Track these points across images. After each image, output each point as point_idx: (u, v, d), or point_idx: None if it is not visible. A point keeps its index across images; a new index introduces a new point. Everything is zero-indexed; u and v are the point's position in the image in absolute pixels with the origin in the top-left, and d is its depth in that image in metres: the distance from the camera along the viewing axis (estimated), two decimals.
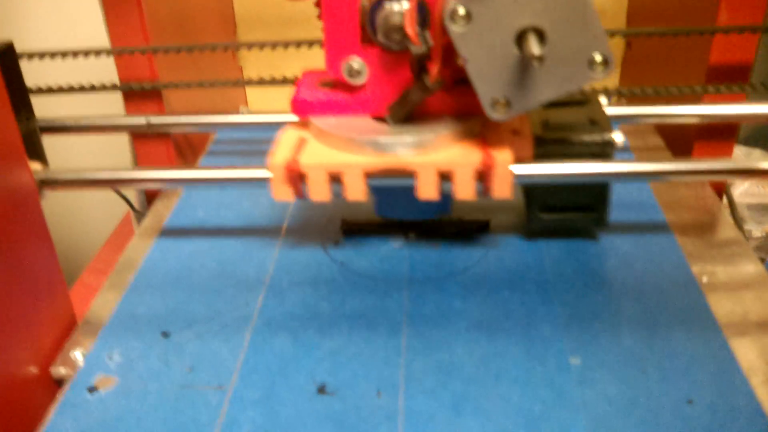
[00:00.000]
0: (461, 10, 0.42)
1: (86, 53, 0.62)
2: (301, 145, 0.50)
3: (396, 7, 0.46)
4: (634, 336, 0.47)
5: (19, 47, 0.58)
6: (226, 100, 0.89)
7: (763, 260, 0.69)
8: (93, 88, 0.64)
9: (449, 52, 0.45)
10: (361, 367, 0.46)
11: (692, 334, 0.47)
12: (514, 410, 0.42)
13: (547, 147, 0.51)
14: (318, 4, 0.49)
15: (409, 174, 0.48)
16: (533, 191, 0.55)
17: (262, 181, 0.50)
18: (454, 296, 0.52)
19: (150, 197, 0.68)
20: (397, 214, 0.57)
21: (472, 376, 0.45)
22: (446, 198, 0.52)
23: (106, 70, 0.70)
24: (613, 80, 0.96)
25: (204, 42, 0.70)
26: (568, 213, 0.56)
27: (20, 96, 0.57)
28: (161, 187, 0.65)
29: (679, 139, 0.73)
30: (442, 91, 0.49)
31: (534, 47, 0.42)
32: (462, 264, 0.55)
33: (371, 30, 0.48)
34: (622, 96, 0.71)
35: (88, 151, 1.00)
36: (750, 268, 0.54)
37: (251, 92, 0.96)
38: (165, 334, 0.49)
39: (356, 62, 0.49)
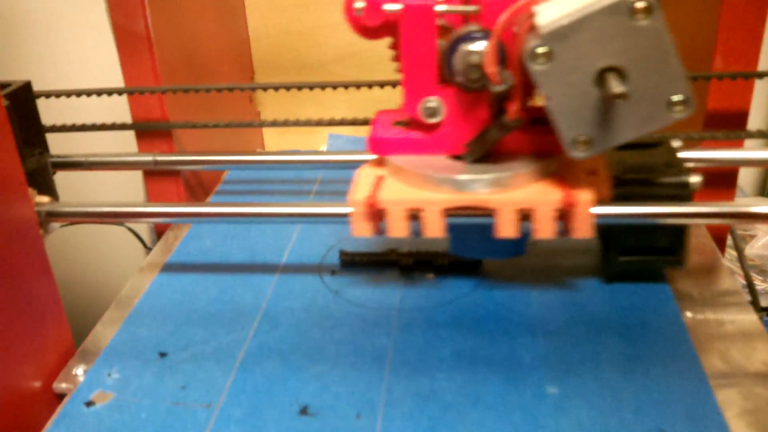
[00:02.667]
0: (542, 49, 0.43)
1: (99, 93, 0.66)
2: (379, 183, 0.51)
3: (475, 46, 0.47)
4: (612, 368, 0.48)
5: (41, 86, 0.62)
6: (243, 145, 0.92)
7: (759, 311, 0.69)
8: (105, 126, 0.68)
9: (527, 90, 0.47)
10: (344, 391, 0.47)
11: (671, 368, 0.48)
12: None
13: (626, 188, 0.52)
14: (394, 47, 0.51)
15: (487, 212, 0.49)
16: (612, 234, 0.56)
17: (342, 217, 0.52)
18: (440, 325, 0.53)
19: (160, 235, 0.71)
20: (472, 254, 0.57)
21: (450, 402, 0.46)
22: (522, 240, 0.53)
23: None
24: None
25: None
26: (647, 255, 0.56)
27: (35, 132, 0.61)
28: (163, 222, 0.68)
29: None
30: (519, 131, 0.50)
31: (616, 86, 0.42)
32: (452, 295, 0.57)
33: (448, 70, 0.49)
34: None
35: (105, 190, 1.04)
36: (740, 313, 0.55)
37: (268, 137, 0.99)
38: (162, 354, 0.52)
39: (433, 101, 0.50)
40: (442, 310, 0.55)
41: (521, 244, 0.55)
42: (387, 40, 0.51)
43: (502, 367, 0.49)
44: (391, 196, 0.49)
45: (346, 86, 0.71)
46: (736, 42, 0.66)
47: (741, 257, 0.84)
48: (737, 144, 0.69)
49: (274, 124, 0.72)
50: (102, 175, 0.78)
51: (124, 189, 0.98)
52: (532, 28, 0.43)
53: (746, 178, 1.32)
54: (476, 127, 0.50)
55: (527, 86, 0.46)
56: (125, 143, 0.78)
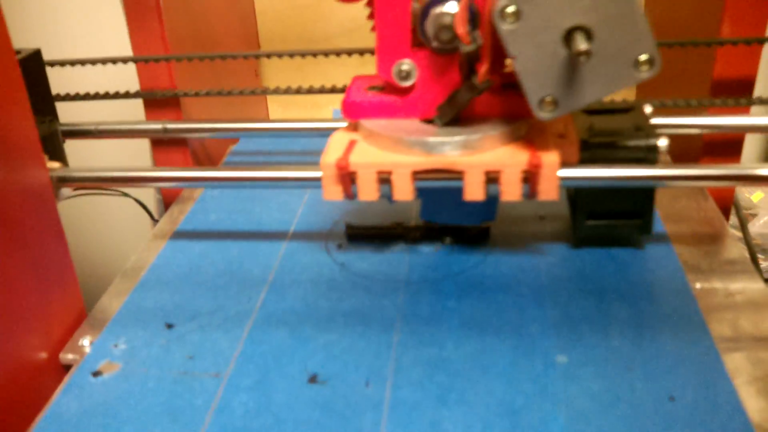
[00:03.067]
0: (511, 8, 0.43)
1: (104, 62, 0.66)
2: (351, 146, 0.51)
3: (447, 8, 0.48)
4: (622, 337, 0.48)
5: (50, 56, 0.61)
6: (247, 114, 0.92)
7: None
8: (115, 95, 0.68)
9: (497, 53, 0.47)
10: (353, 360, 0.47)
11: (680, 335, 0.48)
12: (497, 402, 0.43)
13: (593, 151, 0.52)
14: (369, 5, 0.51)
15: (456, 174, 0.49)
16: (579, 199, 0.56)
17: (313, 182, 0.52)
18: (448, 296, 0.53)
19: (168, 207, 0.71)
20: (441, 219, 0.58)
21: (459, 370, 0.46)
22: (491, 206, 0.54)
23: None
24: (630, 94, 0.97)
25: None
26: (614, 220, 0.56)
27: (45, 100, 0.61)
28: (173, 186, 0.67)
29: (686, 155, 0.74)
30: (490, 94, 0.51)
31: (581, 43, 0.43)
32: (459, 267, 0.56)
33: (422, 32, 0.49)
34: None
35: (111, 159, 1.03)
36: (746, 279, 0.54)
37: (273, 106, 0.99)
38: (169, 326, 0.52)
39: (407, 64, 0.51)
40: (450, 281, 0.55)
41: (491, 209, 0.56)
42: None
43: (511, 337, 0.49)
44: (361, 159, 0.50)
45: (350, 53, 0.70)
46: (744, 8, 0.66)
47: (746, 235, 0.84)
48: (743, 112, 0.69)
49: (284, 91, 0.71)
50: (108, 145, 0.77)
51: (131, 159, 0.98)
52: None
53: (750, 147, 1.32)
54: (448, 90, 0.51)
55: (498, 49, 0.46)
56: (133, 112, 0.77)
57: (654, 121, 0.64)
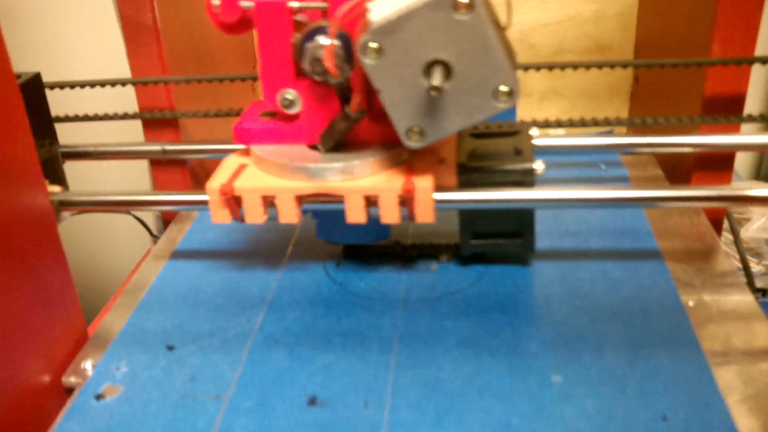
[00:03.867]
0: (372, 44, 0.45)
1: (103, 84, 0.67)
2: (239, 171, 0.53)
3: (321, 41, 0.49)
4: (616, 356, 0.49)
5: (49, 78, 0.62)
6: None
7: (755, 293, 0.70)
8: (114, 116, 0.68)
9: (370, 84, 0.48)
10: (351, 381, 0.48)
11: (674, 354, 0.49)
12: (494, 423, 0.44)
13: (470, 175, 0.54)
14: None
15: (338, 198, 0.51)
16: (462, 219, 0.58)
17: (203, 205, 0.54)
18: (445, 316, 0.54)
19: (166, 223, 0.72)
20: (336, 239, 0.60)
21: (456, 391, 0.47)
22: (384, 225, 0.55)
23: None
24: (623, 111, 0.98)
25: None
26: (497, 239, 0.58)
27: (45, 123, 0.61)
28: (171, 209, 0.68)
29: (679, 171, 0.75)
30: (372, 122, 0.52)
31: (435, 79, 0.45)
32: (456, 286, 0.57)
33: (301, 63, 0.51)
34: (632, 125, 0.73)
35: (110, 181, 1.04)
36: (738, 296, 0.55)
37: None
38: (170, 348, 0.52)
39: (290, 94, 0.53)
40: (447, 300, 0.56)
41: (384, 228, 0.58)
42: None
43: (508, 356, 0.49)
44: (246, 184, 0.52)
45: None
46: (734, 28, 0.66)
47: (737, 240, 0.85)
48: (734, 129, 0.70)
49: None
50: (107, 166, 0.78)
51: (130, 179, 0.98)
52: (365, 24, 0.45)
53: (742, 162, 1.33)
54: (331, 117, 0.53)
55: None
56: (131, 134, 0.78)
57: (646, 140, 0.65)
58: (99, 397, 0.48)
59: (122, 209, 0.59)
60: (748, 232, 1.28)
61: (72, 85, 0.67)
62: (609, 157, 0.78)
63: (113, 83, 0.67)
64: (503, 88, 0.46)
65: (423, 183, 0.50)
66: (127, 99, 0.72)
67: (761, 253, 1.27)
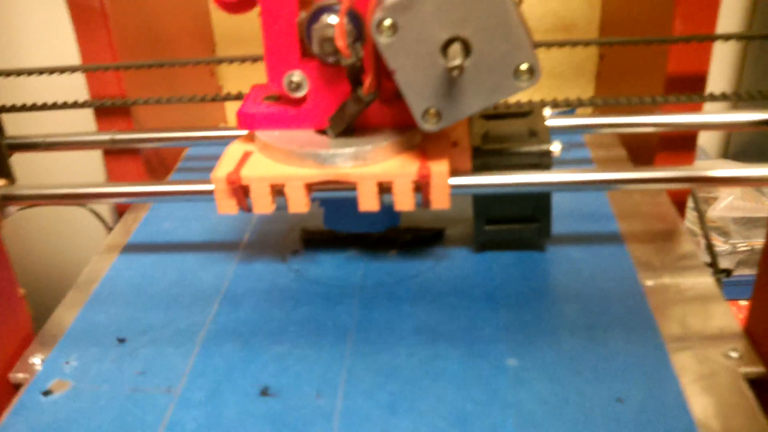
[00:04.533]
0: (387, 21, 0.43)
1: (51, 71, 0.65)
2: (245, 159, 0.51)
3: (329, 20, 0.48)
4: (572, 339, 0.48)
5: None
6: (204, 119, 0.91)
7: (718, 273, 0.70)
8: (63, 105, 0.66)
9: (383, 65, 0.46)
10: (305, 371, 0.47)
11: (630, 336, 0.48)
12: (447, 409, 0.43)
13: (485, 158, 0.52)
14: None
15: (349, 185, 0.49)
16: (478, 204, 0.56)
17: (208, 195, 0.52)
18: (402, 301, 0.53)
19: (122, 215, 0.70)
20: (345, 227, 0.58)
21: (410, 378, 0.46)
22: (394, 212, 0.53)
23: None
24: (588, 92, 0.98)
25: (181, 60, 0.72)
26: (512, 225, 0.57)
27: None
28: (123, 202, 0.67)
29: (643, 151, 0.75)
30: (383, 105, 0.50)
31: (454, 57, 0.42)
32: (413, 271, 0.57)
33: (309, 43, 0.49)
34: (594, 105, 0.72)
35: (65, 171, 1.02)
36: (696, 277, 0.55)
37: (231, 113, 0.98)
38: (121, 341, 0.51)
39: (297, 76, 0.50)
40: (404, 285, 0.55)
41: (394, 215, 0.56)
42: None
43: (463, 341, 0.49)
44: (253, 172, 0.49)
45: None
46: (695, 6, 0.66)
47: (702, 220, 0.85)
48: (697, 108, 0.69)
49: (236, 97, 0.70)
50: (62, 156, 0.76)
51: (85, 169, 0.97)
52: (379, 1, 0.43)
53: (710, 141, 1.33)
54: (341, 101, 0.50)
55: (383, 60, 0.45)
56: (86, 123, 0.76)
57: (608, 120, 0.65)
58: (47, 392, 0.47)
59: (72, 202, 0.57)
60: (715, 211, 1.28)
61: (18, 73, 0.65)
62: (572, 137, 0.78)
63: (62, 70, 0.65)
64: (524, 66, 0.44)
65: (439, 167, 0.48)
66: (79, 87, 0.71)
67: (728, 232, 1.28)
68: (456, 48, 0.43)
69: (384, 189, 0.49)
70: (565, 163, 0.74)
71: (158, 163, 0.75)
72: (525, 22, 0.45)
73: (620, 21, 0.90)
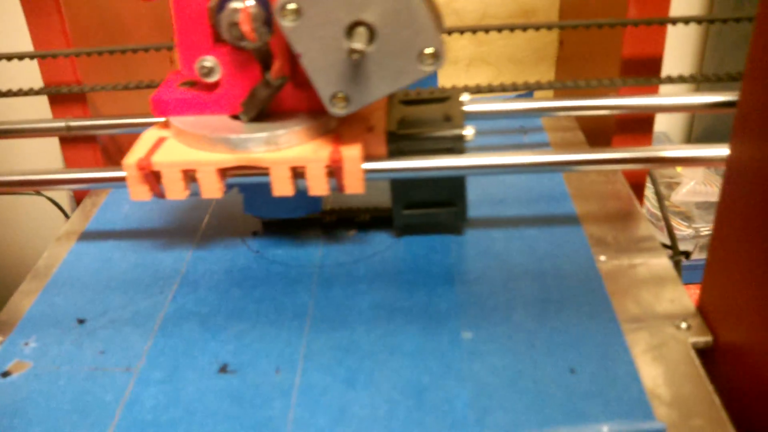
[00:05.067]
0: (291, 5, 0.43)
1: (6, 58, 0.64)
2: (158, 144, 0.51)
3: (237, 4, 0.48)
4: (526, 313, 0.49)
5: None
6: None
7: (677, 255, 0.71)
8: (18, 92, 0.66)
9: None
10: (264, 348, 0.48)
11: (583, 310, 0.50)
12: (404, 382, 0.44)
13: (399, 143, 0.53)
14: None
15: (263, 171, 0.49)
16: (395, 189, 0.57)
17: (121, 182, 0.52)
18: (360, 280, 0.54)
19: (79, 200, 0.70)
20: (265, 213, 0.59)
21: (367, 352, 0.47)
22: (314, 197, 0.54)
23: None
24: (549, 74, 0.99)
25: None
26: (429, 209, 0.57)
27: None
28: (79, 188, 0.66)
29: (600, 134, 0.76)
30: (298, 89, 0.51)
31: (356, 41, 0.43)
32: (372, 249, 0.57)
33: (219, 28, 0.49)
34: (552, 88, 0.73)
35: (23, 159, 1.01)
36: (650, 254, 0.56)
37: None
38: (80, 321, 0.51)
39: (209, 61, 0.50)
40: (363, 264, 0.56)
41: (315, 200, 0.57)
42: None
43: (420, 317, 0.50)
44: (165, 158, 0.49)
45: None
46: None
47: (661, 202, 0.87)
48: (653, 90, 0.71)
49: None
50: (19, 144, 0.76)
51: (43, 157, 0.96)
52: None
53: (673, 126, 1.36)
54: (253, 85, 0.51)
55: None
56: (42, 110, 0.75)
57: (565, 103, 0.66)
58: (5, 374, 0.47)
59: (27, 189, 0.57)
60: (678, 196, 1.31)
61: None
62: (530, 121, 0.79)
63: (11, 57, 0.64)
64: (428, 51, 0.44)
65: (351, 152, 0.49)
66: (33, 74, 0.70)
67: (691, 217, 1.30)
68: (360, 32, 0.43)
69: (298, 174, 0.49)
70: (522, 146, 0.75)
71: (115, 150, 0.75)
72: (434, 6, 0.46)
73: (578, 6, 0.91)
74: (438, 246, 0.57)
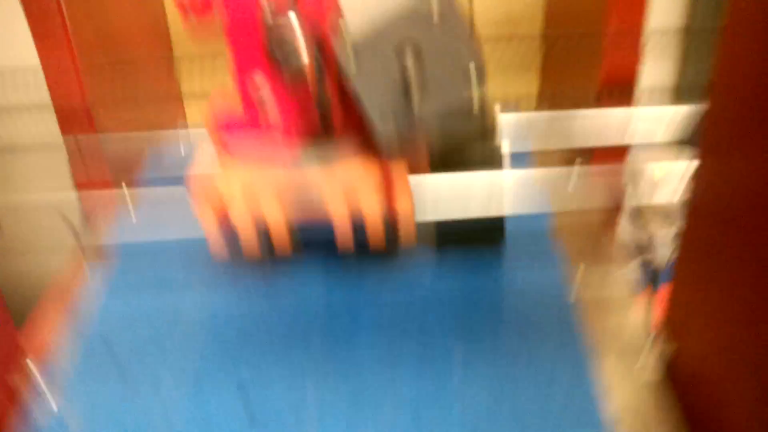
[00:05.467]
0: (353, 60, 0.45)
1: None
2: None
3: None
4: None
5: None
6: (164, 119, 0.92)
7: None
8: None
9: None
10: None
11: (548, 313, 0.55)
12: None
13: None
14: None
15: None
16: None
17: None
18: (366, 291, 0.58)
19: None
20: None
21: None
22: None
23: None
24: (533, 86, 1.01)
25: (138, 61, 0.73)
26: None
27: None
28: None
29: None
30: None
31: (409, 61, 0.45)
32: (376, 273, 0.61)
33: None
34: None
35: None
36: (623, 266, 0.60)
37: (190, 109, 0.99)
38: None
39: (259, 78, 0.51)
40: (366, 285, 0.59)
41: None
42: None
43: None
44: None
45: None
46: (625, 2, 0.69)
47: (635, 208, 0.88)
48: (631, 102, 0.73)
49: (196, 96, 0.71)
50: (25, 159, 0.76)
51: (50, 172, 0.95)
52: (339, 31, 0.45)
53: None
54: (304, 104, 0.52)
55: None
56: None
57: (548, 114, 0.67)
58: None
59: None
60: (660, 196, 1.32)
61: None
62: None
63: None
64: (472, 68, 0.46)
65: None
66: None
67: (673, 217, 1.32)
68: (411, 54, 0.45)
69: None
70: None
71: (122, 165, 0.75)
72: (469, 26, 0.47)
73: (562, 17, 0.93)
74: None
